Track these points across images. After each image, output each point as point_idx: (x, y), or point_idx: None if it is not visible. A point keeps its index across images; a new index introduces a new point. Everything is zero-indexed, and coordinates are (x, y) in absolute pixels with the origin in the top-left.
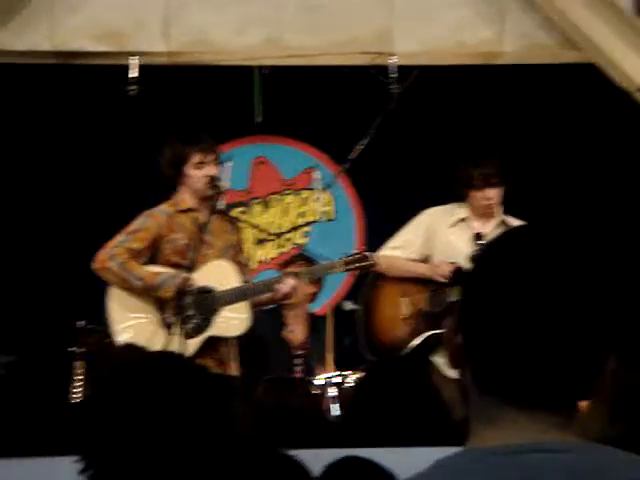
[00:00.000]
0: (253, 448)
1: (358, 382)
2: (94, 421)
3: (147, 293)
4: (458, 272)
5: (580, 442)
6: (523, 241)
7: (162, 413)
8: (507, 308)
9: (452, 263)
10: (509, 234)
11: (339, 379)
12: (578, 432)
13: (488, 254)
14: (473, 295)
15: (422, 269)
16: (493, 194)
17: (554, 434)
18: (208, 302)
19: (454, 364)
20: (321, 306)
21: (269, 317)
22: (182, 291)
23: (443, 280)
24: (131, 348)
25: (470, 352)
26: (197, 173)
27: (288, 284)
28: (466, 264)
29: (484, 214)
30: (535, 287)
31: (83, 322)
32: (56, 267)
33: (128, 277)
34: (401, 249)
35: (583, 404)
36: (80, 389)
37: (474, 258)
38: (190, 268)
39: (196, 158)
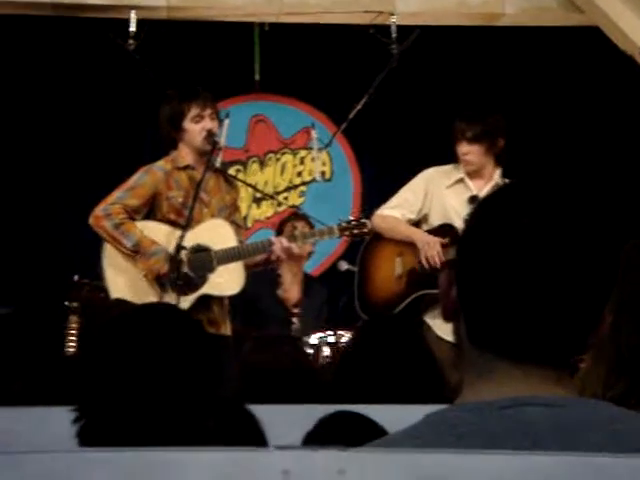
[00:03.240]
0: (224, 407)
1: (348, 340)
2: (88, 371)
3: (134, 256)
4: (452, 236)
5: (575, 397)
6: (517, 197)
7: (154, 365)
8: (501, 262)
9: (444, 230)
10: (504, 190)
11: (333, 339)
12: (575, 388)
13: (483, 209)
14: (468, 249)
15: (413, 236)
16: (467, 149)
17: (547, 388)
18: (203, 260)
19: (449, 318)
20: (317, 266)
21: (264, 276)
22: (178, 246)
23: (424, 261)
24: (123, 303)
25: (465, 306)
26: (195, 127)
27: (284, 246)
28: (461, 226)
29: (469, 172)
30: (529, 241)
31: (77, 276)
32: (53, 220)
33: (121, 239)
34: (399, 208)
35: (583, 365)
36: (74, 342)
37: (471, 213)
38: (186, 226)
39: (194, 111)
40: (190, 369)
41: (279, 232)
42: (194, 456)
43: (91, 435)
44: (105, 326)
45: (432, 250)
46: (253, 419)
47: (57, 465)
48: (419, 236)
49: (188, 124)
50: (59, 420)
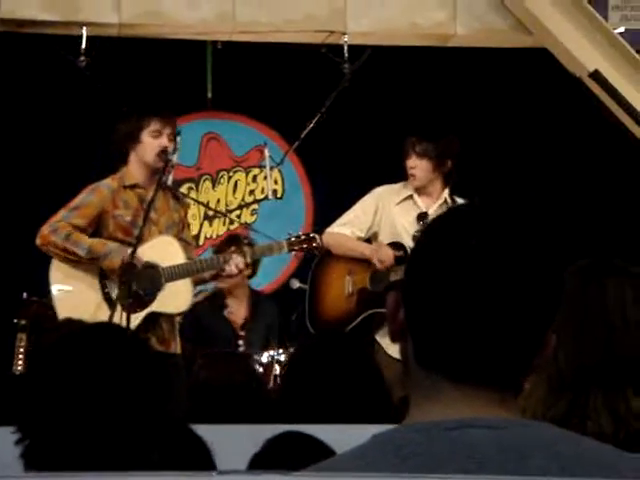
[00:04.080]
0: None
1: (293, 355)
2: (32, 392)
3: (92, 262)
4: (398, 259)
5: (517, 419)
6: (466, 219)
7: (99, 386)
8: (448, 284)
9: (393, 248)
10: (453, 212)
11: (284, 357)
12: (519, 409)
13: (432, 230)
14: (416, 271)
15: (364, 250)
16: (414, 164)
17: (492, 410)
18: (152, 277)
19: (396, 338)
20: (268, 283)
21: (210, 298)
22: (128, 264)
23: (380, 265)
24: (72, 322)
25: (412, 327)
26: (151, 141)
27: (235, 263)
28: (410, 244)
29: (423, 190)
30: (476, 264)
31: (25, 294)
32: (1, 238)
33: (73, 248)
34: (349, 225)
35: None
36: (22, 361)
37: (418, 234)
38: (134, 245)
39: (153, 126)
40: (136, 389)
41: (219, 250)
42: None
43: (35, 456)
44: (52, 345)
45: (384, 253)
46: (199, 440)
47: None
48: (371, 250)
49: (145, 137)
50: (4, 441)
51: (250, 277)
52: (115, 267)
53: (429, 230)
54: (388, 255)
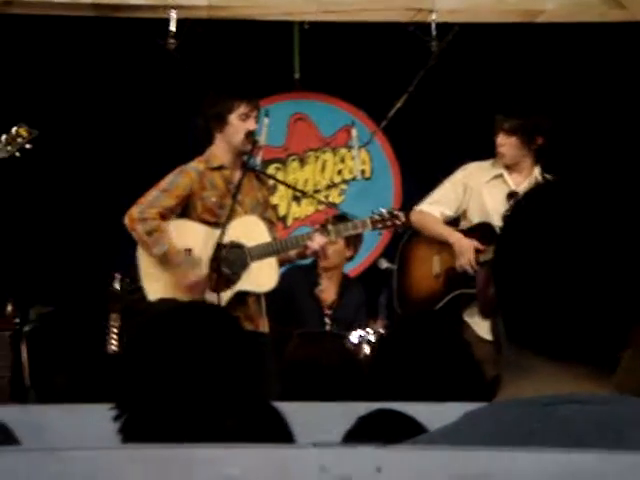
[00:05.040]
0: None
1: (383, 336)
2: (129, 369)
3: (162, 265)
4: (488, 233)
5: (614, 395)
6: (557, 194)
7: (194, 363)
8: (540, 260)
9: (481, 230)
10: (544, 187)
11: (374, 337)
12: (615, 386)
13: (523, 206)
14: (507, 246)
15: (449, 238)
16: (503, 141)
17: (588, 386)
18: (238, 257)
19: (486, 314)
20: (356, 265)
21: (302, 274)
22: (217, 245)
23: (458, 266)
24: (166, 301)
25: (503, 303)
26: (239, 124)
27: (317, 240)
28: (499, 223)
29: (513, 168)
30: (568, 238)
31: (119, 275)
32: (94, 220)
33: (151, 245)
34: (437, 204)
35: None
36: (115, 340)
37: (510, 210)
38: (220, 225)
39: (242, 109)
40: (230, 366)
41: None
42: (231, 452)
43: (133, 431)
44: (147, 324)
45: (466, 258)
46: (280, 418)
47: (100, 462)
48: (455, 239)
49: (234, 119)
50: (102, 417)
51: (350, 259)
52: (181, 276)
53: (519, 206)
54: (468, 259)
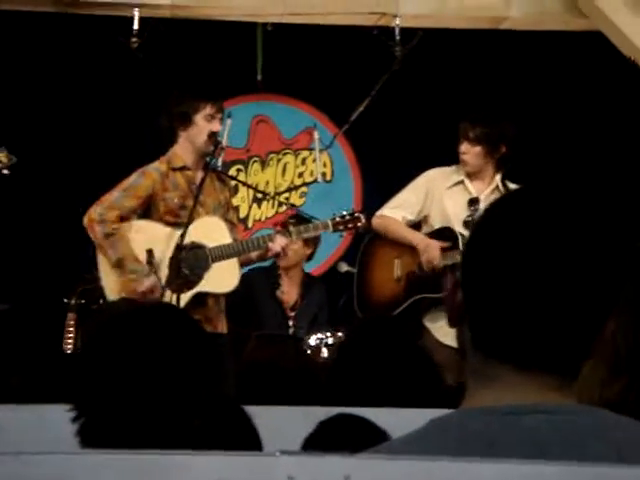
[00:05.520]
0: (222, 407)
1: (342, 341)
2: (88, 370)
3: (116, 270)
4: (450, 240)
5: (576, 405)
6: (525, 203)
7: (155, 364)
8: (508, 268)
9: (442, 234)
10: (511, 195)
11: (332, 340)
12: (575, 396)
13: (491, 214)
14: (475, 255)
15: (413, 240)
16: (467, 149)
17: (552, 396)
18: (199, 258)
19: (454, 323)
20: (317, 266)
21: (263, 276)
22: (177, 246)
23: (426, 265)
24: (125, 301)
25: (470, 311)
26: (204, 125)
27: (279, 242)
28: (460, 229)
29: (474, 175)
30: (535, 247)
31: (77, 273)
32: (53, 217)
33: (108, 249)
34: (399, 209)
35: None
36: (72, 340)
37: (470, 219)
38: (182, 226)
39: (207, 110)
40: (188, 368)
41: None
42: (197, 460)
43: (91, 434)
44: (108, 324)
45: (432, 253)
46: (247, 418)
47: (64, 467)
48: (419, 239)
49: (199, 120)
50: (58, 419)
51: (309, 259)
52: (132, 288)
53: (488, 214)
54: (435, 255)
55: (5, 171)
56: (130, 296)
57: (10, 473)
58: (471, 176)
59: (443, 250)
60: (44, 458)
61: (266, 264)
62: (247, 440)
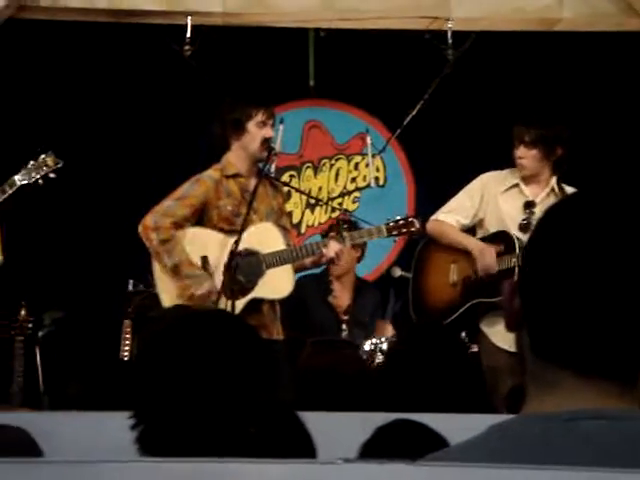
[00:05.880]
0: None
1: (394, 346)
2: (146, 378)
3: (172, 276)
4: (507, 244)
5: (637, 410)
6: (586, 206)
7: (211, 371)
8: (568, 273)
9: (498, 238)
10: (571, 199)
11: (386, 345)
12: (638, 401)
13: (551, 218)
14: (534, 258)
15: (469, 245)
16: (523, 153)
17: (611, 402)
18: (253, 264)
19: (511, 328)
20: (370, 271)
21: (314, 282)
22: (231, 252)
23: (480, 271)
24: (181, 308)
25: (529, 316)
26: (257, 131)
27: (333, 248)
28: (515, 232)
29: (530, 178)
30: (596, 252)
31: (132, 281)
32: (110, 226)
33: (164, 256)
34: (454, 213)
35: None
36: (128, 347)
37: (537, 221)
38: (236, 232)
39: (260, 117)
40: (245, 374)
41: (325, 236)
42: (257, 468)
43: (150, 441)
44: (162, 331)
45: (488, 259)
46: (301, 425)
47: (122, 475)
48: (474, 245)
49: (252, 127)
50: (116, 425)
51: (358, 261)
52: (186, 294)
53: (548, 217)
54: (491, 261)
55: (52, 175)
56: (187, 302)
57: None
58: (526, 179)
59: (499, 255)
60: (102, 466)
61: (317, 270)
62: (302, 447)
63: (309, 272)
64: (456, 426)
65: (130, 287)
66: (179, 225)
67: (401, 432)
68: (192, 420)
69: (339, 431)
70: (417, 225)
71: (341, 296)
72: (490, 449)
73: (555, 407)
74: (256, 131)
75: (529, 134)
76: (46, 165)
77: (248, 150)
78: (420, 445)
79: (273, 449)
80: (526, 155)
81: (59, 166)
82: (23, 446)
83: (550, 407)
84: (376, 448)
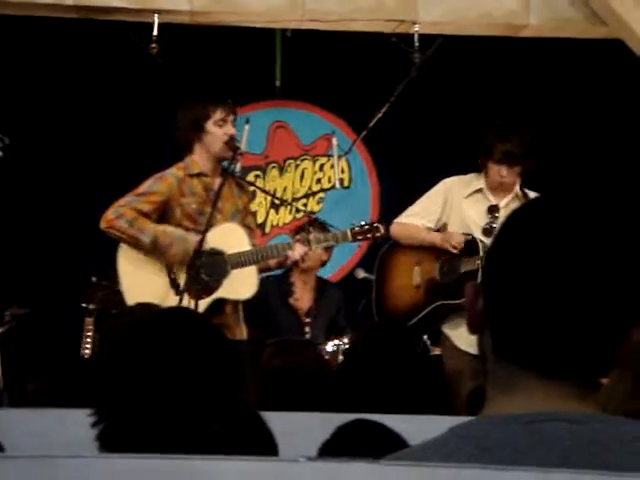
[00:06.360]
0: (240, 413)
1: (348, 347)
2: (108, 375)
3: (154, 251)
4: (469, 244)
5: (598, 414)
6: (548, 209)
7: (175, 370)
8: (531, 276)
9: (464, 234)
10: (535, 202)
11: (348, 346)
12: (599, 404)
13: (514, 221)
14: (497, 260)
15: (434, 238)
16: (507, 173)
17: (572, 404)
18: (218, 264)
19: (474, 329)
20: (334, 272)
21: (276, 283)
22: (195, 251)
23: (453, 250)
24: (145, 306)
25: (491, 317)
26: (217, 131)
27: (298, 250)
28: (478, 236)
29: (496, 189)
30: (558, 255)
31: (94, 278)
32: (71, 223)
33: (137, 234)
34: (417, 217)
35: (604, 378)
36: (90, 345)
37: (500, 224)
38: (200, 232)
39: (218, 115)
40: (208, 373)
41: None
42: (220, 465)
43: (110, 438)
44: (127, 329)
45: (455, 238)
46: (263, 423)
47: (85, 470)
48: (439, 235)
49: (211, 127)
50: (77, 423)
51: (323, 265)
52: (176, 259)
53: (511, 220)
54: (459, 240)
55: None
56: (181, 264)
57: (33, 475)
58: (491, 186)
59: (465, 253)
60: (66, 461)
61: (278, 272)
62: (264, 446)
63: (271, 273)
64: (416, 428)
65: (92, 283)
66: (141, 217)
67: (361, 432)
68: (154, 418)
69: (299, 431)
70: (382, 230)
71: (302, 298)
72: (449, 450)
73: (515, 409)
74: (216, 130)
75: (512, 156)
76: None
77: (211, 150)
78: (379, 445)
79: (236, 447)
80: (509, 174)
81: (6, 144)
82: None
83: (510, 409)
84: (336, 447)
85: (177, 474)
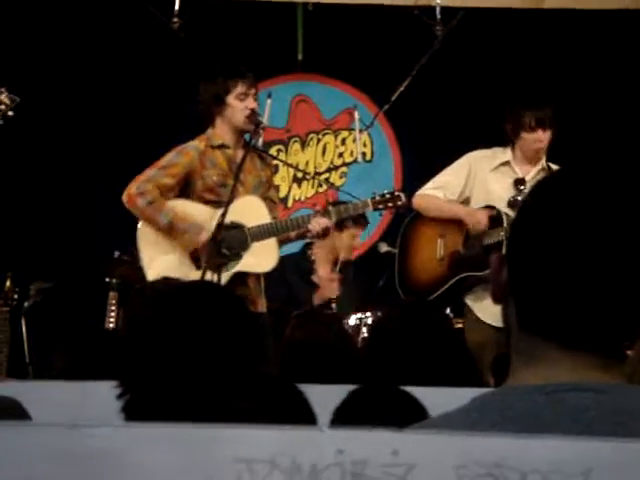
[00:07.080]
0: (272, 386)
1: (378, 321)
2: (134, 348)
3: (170, 234)
4: (494, 219)
5: (622, 384)
6: (573, 181)
7: (199, 342)
8: (556, 246)
9: (488, 209)
10: (561, 173)
11: (371, 320)
12: (624, 376)
13: (539, 192)
14: (522, 231)
15: (459, 211)
16: (545, 137)
17: (596, 375)
18: (238, 237)
19: (498, 299)
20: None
21: (294, 263)
22: (218, 225)
23: (478, 226)
24: (167, 280)
25: (515, 288)
26: (238, 104)
27: (319, 222)
28: (503, 209)
29: (530, 158)
30: (582, 226)
31: (117, 253)
32: (95, 198)
33: (155, 216)
34: (441, 189)
35: (631, 352)
36: (113, 318)
37: (526, 196)
38: (221, 204)
39: (239, 89)
40: (234, 345)
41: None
42: (246, 433)
43: (136, 410)
44: (151, 302)
45: (478, 216)
46: (300, 395)
47: (115, 439)
48: (463, 210)
49: (232, 100)
50: (101, 394)
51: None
52: (191, 244)
53: (536, 191)
54: (483, 217)
55: (10, 113)
56: (191, 255)
57: (62, 444)
58: (522, 158)
59: (489, 226)
60: (96, 430)
61: (297, 250)
62: (301, 416)
63: (288, 252)
64: (437, 399)
65: (115, 257)
66: (163, 193)
67: (374, 397)
68: (179, 390)
69: (324, 403)
70: (403, 199)
71: (327, 286)
72: (473, 420)
73: (538, 380)
74: (237, 103)
75: (542, 117)
76: (1, 103)
77: (232, 123)
78: (395, 410)
79: (270, 420)
80: (546, 138)
81: (16, 103)
82: (14, 415)
83: (533, 379)
84: (349, 413)
85: (204, 442)
